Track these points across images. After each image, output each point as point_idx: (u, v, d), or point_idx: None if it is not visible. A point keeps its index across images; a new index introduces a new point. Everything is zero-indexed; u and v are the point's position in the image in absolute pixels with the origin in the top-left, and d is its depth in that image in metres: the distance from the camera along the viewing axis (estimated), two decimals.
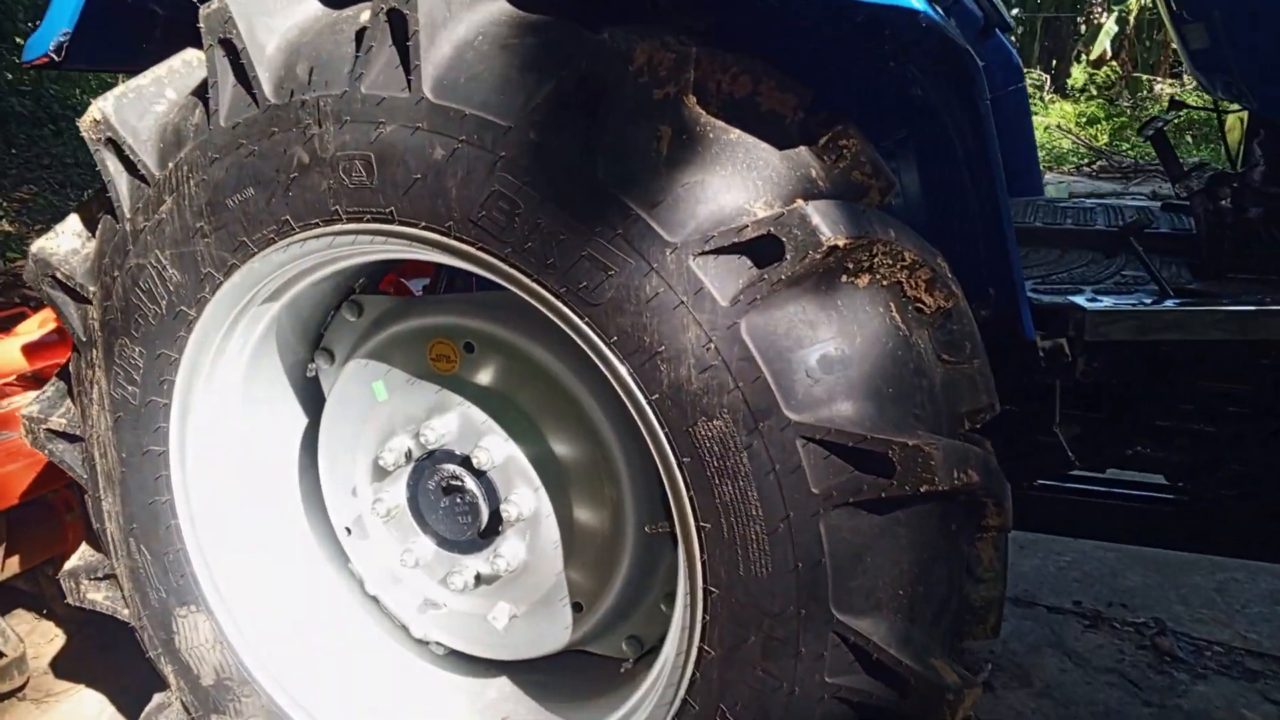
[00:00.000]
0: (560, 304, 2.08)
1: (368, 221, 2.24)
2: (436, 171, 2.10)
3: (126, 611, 2.93)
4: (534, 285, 2.10)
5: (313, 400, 3.05)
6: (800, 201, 1.91)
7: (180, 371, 2.60)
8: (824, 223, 1.85)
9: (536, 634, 2.71)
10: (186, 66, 2.54)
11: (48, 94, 16.73)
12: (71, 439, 2.84)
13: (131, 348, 2.61)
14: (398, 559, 2.75)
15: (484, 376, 2.56)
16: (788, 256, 1.87)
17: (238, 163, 2.31)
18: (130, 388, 2.65)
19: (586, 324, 2.07)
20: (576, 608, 2.63)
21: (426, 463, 2.65)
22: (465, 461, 2.58)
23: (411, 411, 2.64)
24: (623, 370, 2.06)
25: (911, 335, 2.08)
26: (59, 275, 2.64)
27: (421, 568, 2.71)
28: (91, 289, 2.61)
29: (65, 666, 4.18)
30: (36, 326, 4.33)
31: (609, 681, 2.77)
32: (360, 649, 3.03)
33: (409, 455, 2.65)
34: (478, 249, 2.13)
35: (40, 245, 2.67)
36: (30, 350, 4.04)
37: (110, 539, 2.85)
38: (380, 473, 2.72)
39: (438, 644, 3.03)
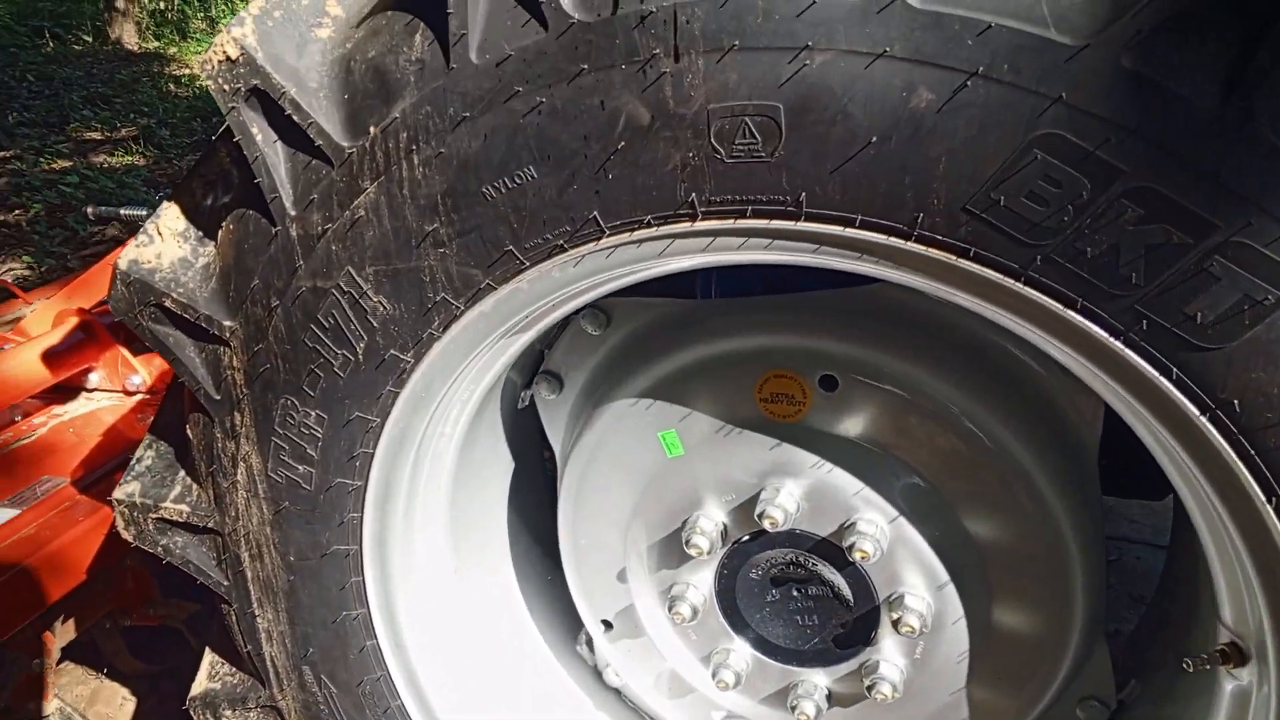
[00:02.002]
0: (1127, 350, 1.23)
1: (747, 217, 1.34)
2: (913, 129, 1.20)
3: None
4: (1073, 317, 1.24)
5: (523, 436, 2.18)
6: None
7: (383, 442, 1.71)
8: None
9: None
10: None
11: None
12: (197, 531, 1.95)
13: (304, 411, 1.70)
14: (700, 670, 1.95)
15: (854, 426, 1.71)
16: None
17: (507, 125, 1.37)
18: (302, 467, 1.75)
19: (1174, 380, 1.22)
20: None
21: (751, 545, 1.81)
22: (821, 546, 1.75)
23: (729, 474, 1.79)
24: (1226, 451, 1.24)
25: None
26: (170, 303, 1.70)
27: (742, 685, 1.90)
28: (228, 324, 1.68)
29: None
30: (51, 320, 3.34)
31: None
32: None
33: (725, 535, 1.81)
34: (970, 259, 1.25)
35: (132, 256, 1.72)
36: (53, 358, 3.07)
37: (270, 665, 2.00)
38: (672, 555, 1.88)
39: None
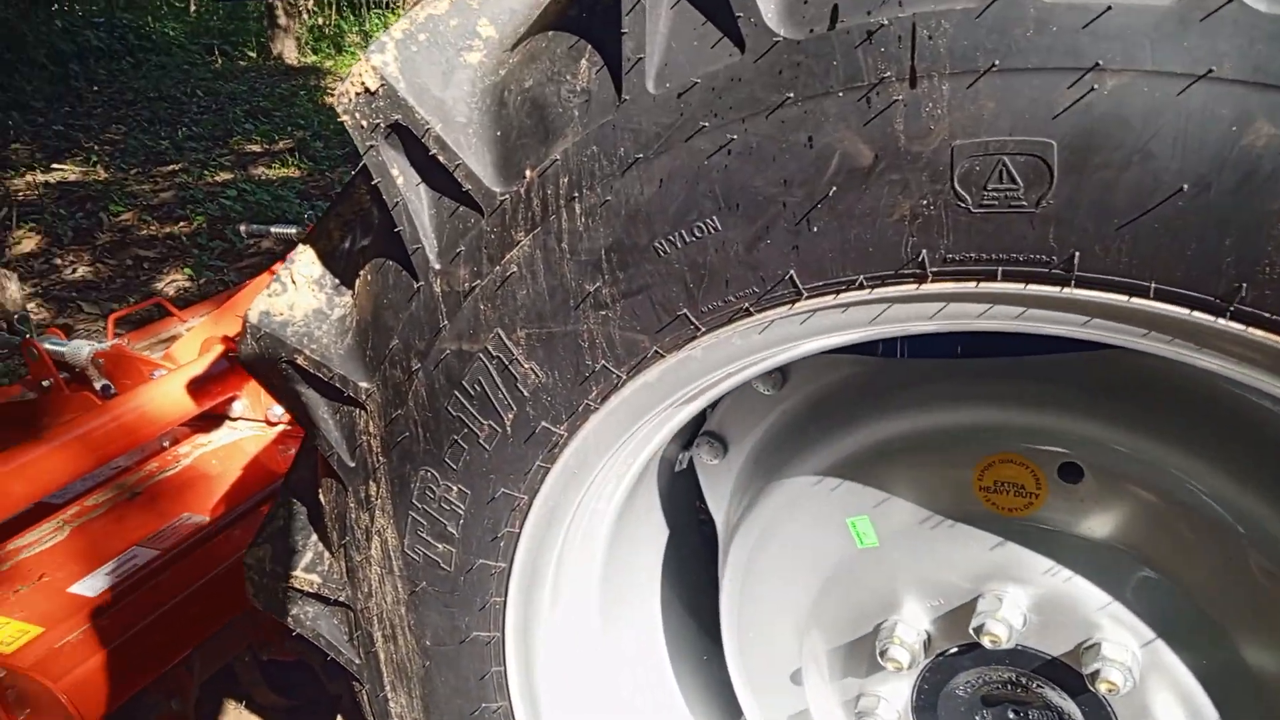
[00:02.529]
0: None
1: (996, 279, 1.05)
2: (1243, 175, 0.89)
3: None
4: None
5: (679, 500, 1.93)
6: None
7: (531, 521, 1.49)
8: None
9: None
10: None
11: (121, 23, 15.77)
12: (328, 603, 1.78)
13: (444, 484, 1.50)
14: None
15: (1101, 526, 1.39)
16: None
17: (688, 168, 1.13)
18: (441, 545, 1.56)
19: None
20: None
21: (960, 659, 1.51)
22: (1050, 668, 1.44)
23: (935, 575, 1.49)
24: None
25: None
26: (303, 360, 1.52)
27: None
28: (364, 385, 1.50)
29: None
30: (197, 346, 3.31)
31: None
32: None
33: (928, 646, 1.52)
34: None
35: (263, 308, 1.55)
36: (198, 387, 3.02)
37: None
38: (861, 662, 1.60)
39: None
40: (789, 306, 1.17)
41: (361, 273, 1.47)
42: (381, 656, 1.73)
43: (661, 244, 1.18)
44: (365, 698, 1.82)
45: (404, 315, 1.41)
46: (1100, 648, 1.37)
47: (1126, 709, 1.40)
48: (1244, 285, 0.94)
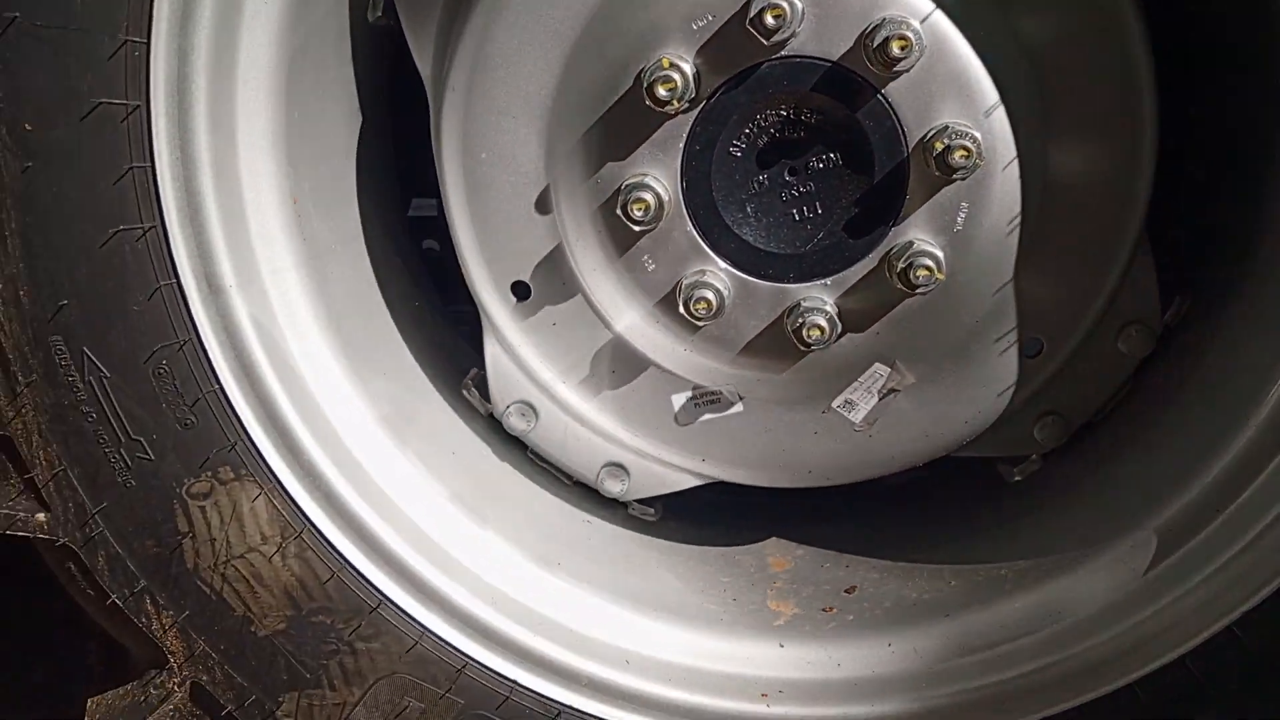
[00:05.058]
0: None
1: None
2: None
3: None
4: None
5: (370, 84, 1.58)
6: None
7: None
8: None
9: (932, 418, 1.47)
10: None
11: None
12: None
13: None
14: (660, 329, 1.42)
15: None
16: None
17: None
18: None
19: None
20: (1032, 346, 1.44)
21: (730, 100, 1.32)
22: (830, 80, 1.29)
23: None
24: None
25: None
26: None
27: (724, 313, 1.37)
28: None
29: None
30: None
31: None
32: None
33: (698, 83, 1.30)
34: None
35: None
36: None
37: None
38: (620, 136, 1.35)
39: (638, 504, 1.67)
40: None
41: None
42: None
43: None
44: None
45: None
46: (886, 20, 1.24)
47: (909, 109, 1.28)
48: None
